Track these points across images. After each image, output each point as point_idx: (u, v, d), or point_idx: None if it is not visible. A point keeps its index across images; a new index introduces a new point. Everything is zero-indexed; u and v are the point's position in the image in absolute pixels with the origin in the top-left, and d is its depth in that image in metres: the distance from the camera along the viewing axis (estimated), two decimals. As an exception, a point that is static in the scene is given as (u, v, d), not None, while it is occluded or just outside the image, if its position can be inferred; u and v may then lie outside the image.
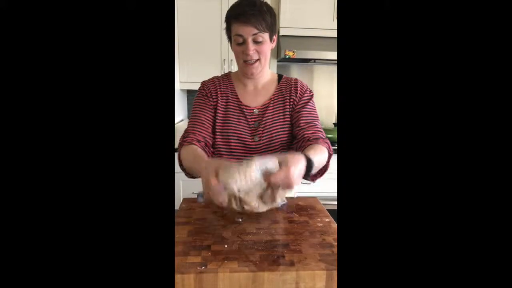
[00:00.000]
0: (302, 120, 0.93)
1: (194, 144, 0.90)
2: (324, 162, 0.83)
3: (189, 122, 0.97)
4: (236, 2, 0.88)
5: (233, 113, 0.97)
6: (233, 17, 0.86)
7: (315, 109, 0.98)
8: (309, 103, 0.97)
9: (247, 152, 0.96)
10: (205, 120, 0.95)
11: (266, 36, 0.87)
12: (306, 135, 0.90)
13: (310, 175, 0.71)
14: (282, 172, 0.64)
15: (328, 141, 0.90)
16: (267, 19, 0.86)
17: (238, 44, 0.88)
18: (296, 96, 0.97)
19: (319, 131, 0.92)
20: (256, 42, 0.87)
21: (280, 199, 0.70)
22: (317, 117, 0.97)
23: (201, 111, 0.97)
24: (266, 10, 0.86)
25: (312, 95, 0.99)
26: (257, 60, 0.90)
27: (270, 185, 0.65)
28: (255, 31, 0.85)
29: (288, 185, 0.64)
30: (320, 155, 0.80)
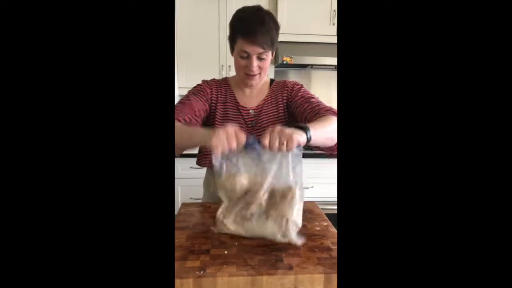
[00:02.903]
0: (299, 103, 0.94)
1: (181, 122, 0.86)
2: (335, 131, 0.81)
3: (178, 103, 0.93)
4: (244, 14, 0.87)
5: (232, 113, 0.99)
6: (241, 32, 0.86)
7: (307, 91, 0.99)
8: (300, 90, 0.99)
9: None
10: (196, 105, 0.92)
11: (269, 52, 0.89)
12: (309, 111, 0.91)
13: (309, 138, 0.70)
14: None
15: (334, 109, 0.88)
16: (273, 36, 0.87)
17: (241, 57, 0.89)
18: (288, 92, 1.01)
19: (319, 103, 0.92)
20: (260, 58, 0.89)
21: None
22: (312, 95, 0.97)
23: (194, 96, 0.94)
24: (273, 27, 0.86)
25: (301, 85, 1.02)
26: (258, 74, 0.92)
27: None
28: (261, 50, 0.86)
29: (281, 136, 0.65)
30: (324, 125, 0.78)
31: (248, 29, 0.84)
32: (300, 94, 0.98)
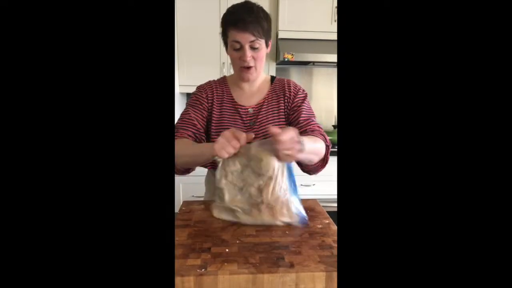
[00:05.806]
0: (301, 118, 0.96)
1: (186, 138, 0.91)
2: (320, 151, 0.86)
3: (179, 118, 0.97)
4: (232, 8, 0.89)
5: (228, 113, 0.98)
6: (231, 23, 0.87)
7: (310, 108, 1.00)
8: (304, 102, 0.99)
9: None
10: (196, 118, 0.96)
11: (262, 42, 0.89)
12: (303, 129, 0.94)
13: (303, 150, 0.71)
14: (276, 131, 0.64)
15: (324, 134, 0.92)
16: (264, 25, 0.88)
17: (235, 49, 0.90)
18: (290, 95, 0.99)
19: (315, 125, 0.96)
20: (253, 48, 0.89)
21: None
22: (313, 114, 1.00)
23: (192, 109, 0.97)
24: (262, 17, 0.87)
25: (306, 94, 1.01)
26: (253, 66, 0.92)
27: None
28: (252, 38, 0.86)
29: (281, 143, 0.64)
30: (314, 143, 0.82)
31: (237, 19, 0.85)
32: (303, 107, 0.97)
